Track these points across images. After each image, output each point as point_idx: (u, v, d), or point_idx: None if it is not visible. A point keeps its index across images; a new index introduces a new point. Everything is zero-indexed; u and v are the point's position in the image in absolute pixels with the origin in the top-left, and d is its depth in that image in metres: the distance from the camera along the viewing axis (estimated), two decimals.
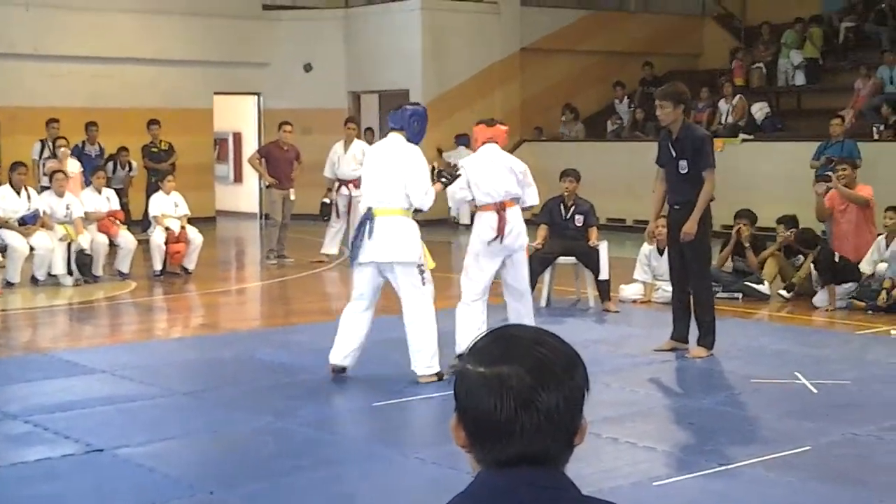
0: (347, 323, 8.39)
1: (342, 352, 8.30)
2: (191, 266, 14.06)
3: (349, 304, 8.45)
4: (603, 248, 11.61)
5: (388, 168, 8.08)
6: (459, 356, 7.43)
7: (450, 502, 1.77)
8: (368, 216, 8.08)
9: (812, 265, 11.82)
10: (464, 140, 20.41)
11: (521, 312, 8.77)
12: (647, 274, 11.96)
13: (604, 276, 11.45)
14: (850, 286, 11.53)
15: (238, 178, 23.88)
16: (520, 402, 1.70)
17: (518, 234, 8.68)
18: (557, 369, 1.73)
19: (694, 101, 20.75)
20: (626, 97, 22.05)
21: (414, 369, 8.03)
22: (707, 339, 8.98)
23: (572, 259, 11.74)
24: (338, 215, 15.56)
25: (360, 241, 8.08)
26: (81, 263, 13.25)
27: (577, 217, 11.80)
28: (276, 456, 6.50)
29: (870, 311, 11.22)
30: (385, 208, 8.03)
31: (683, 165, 8.81)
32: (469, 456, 1.78)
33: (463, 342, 8.26)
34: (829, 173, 13.05)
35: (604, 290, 11.46)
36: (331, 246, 15.65)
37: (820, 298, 11.61)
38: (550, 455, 1.75)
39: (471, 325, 8.45)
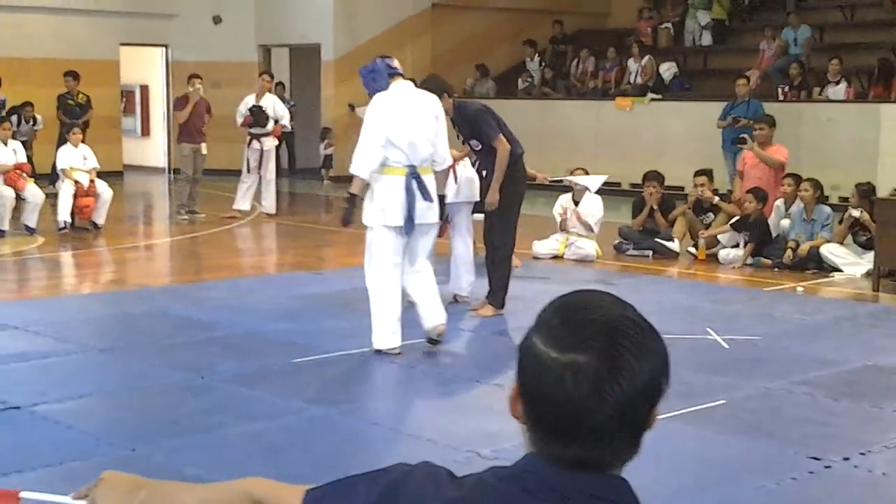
0: (412, 290, 7.83)
1: (428, 317, 7.83)
2: (100, 221, 13.84)
3: (388, 277, 7.66)
4: None
5: (422, 122, 7.61)
6: None
7: (491, 476, 1.65)
8: (415, 175, 7.56)
9: (732, 226, 12.00)
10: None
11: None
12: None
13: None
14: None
15: (145, 131, 23.52)
16: (593, 395, 1.55)
17: None
18: (635, 358, 1.57)
19: (601, 60, 20.98)
20: (536, 55, 22.12)
21: (439, 322, 7.82)
22: (497, 297, 9.14)
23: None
24: (249, 170, 15.42)
25: (413, 203, 7.53)
26: None
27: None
28: (196, 412, 6.47)
29: (776, 269, 11.49)
30: (425, 167, 7.64)
31: (475, 143, 9.07)
32: (523, 429, 1.65)
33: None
34: (745, 136, 13.27)
35: None
36: (243, 201, 15.52)
37: (726, 255, 11.87)
38: (616, 457, 1.62)
39: None
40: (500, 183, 8.84)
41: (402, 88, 7.65)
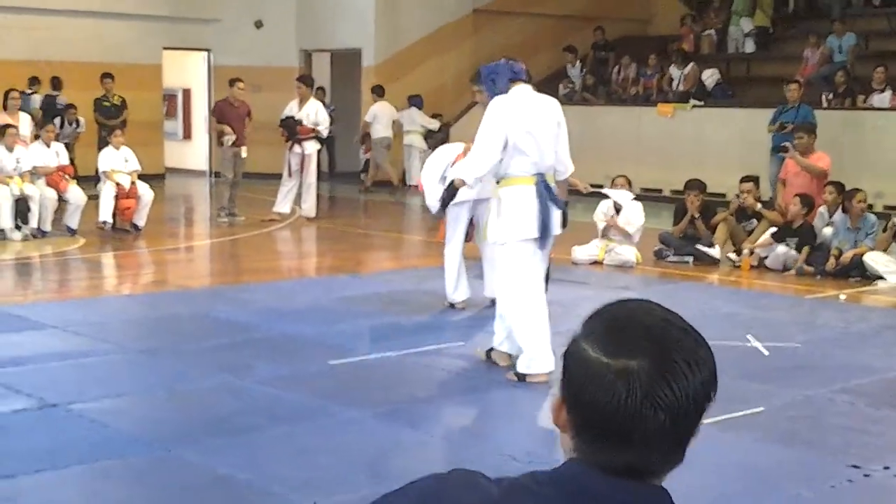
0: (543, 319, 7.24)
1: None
2: (141, 223, 13.93)
3: (533, 295, 7.13)
4: None
5: (547, 128, 7.13)
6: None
7: (529, 479, 1.63)
8: (546, 185, 7.08)
9: (773, 236, 11.88)
10: (416, 101, 20.37)
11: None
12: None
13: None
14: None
15: (187, 134, 23.67)
16: (646, 401, 1.53)
17: None
18: (687, 365, 1.55)
19: (643, 66, 20.88)
20: (577, 61, 22.05)
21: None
22: None
23: None
24: (290, 174, 15.47)
25: (548, 212, 7.05)
26: (18, 210, 13.09)
27: None
28: (232, 413, 6.47)
29: (819, 277, 11.37)
30: (550, 175, 7.16)
31: None
32: (565, 437, 1.62)
33: None
34: (787, 143, 13.16)
35: None
36: (283, 204, 15.57)
37: (776, 257, 11.74)
38: (663, 465, 1.60)
39: None
40: None
41: (523, 93, 7.17)
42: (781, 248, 11.76)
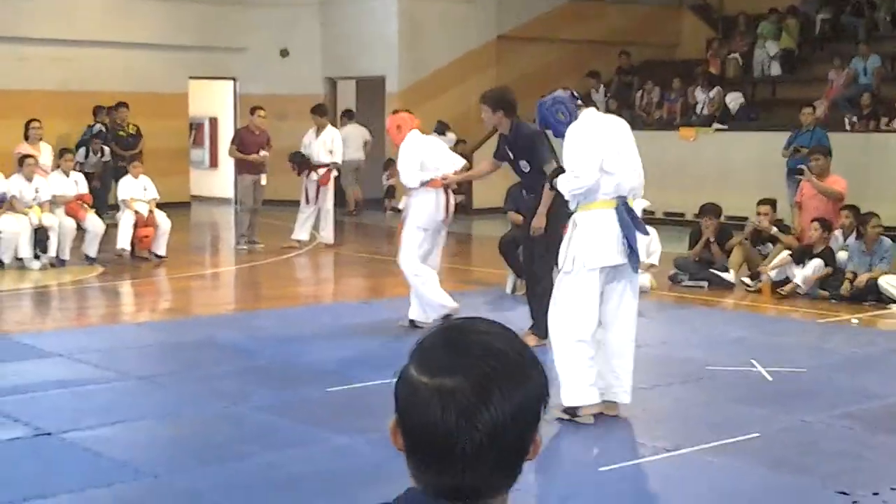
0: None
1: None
2: (161, 251, 14.02)
3: (588, 320, 6.73)
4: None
5: (632, 149, 6.91)
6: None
7: None
8: (628, 208, 6.78)
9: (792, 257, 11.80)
10: (438, 127, 20.42)
11: None
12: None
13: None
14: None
15: (214, 163, 23.81)
16: (461, 419, 1.52)
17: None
18: (506, 384, 1.54)
19: (667, 90, 20.83)
20: (601, 86, 22.04)
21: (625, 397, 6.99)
22: (540, 327, 8.77)
23: None
24: (307, 201, 15.56)
25: (633, 237, 6.71)
26: (38, 240, 13.22)
27: None
28: (225, 441, 6.50)
29: (833, 301, 11.27)
30: (630, 199, 6.88)
31: (524, 165, 8.93)
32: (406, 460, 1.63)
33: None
34: (803, 166, 13.09)
35: None
36: (301, 231, 15.64)
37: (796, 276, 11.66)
38: (491, 485, 1.58)
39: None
40: (546, 208, 8.72)
41: (596, 115, 6.99)
42: (806, 270, 11.60)
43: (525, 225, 9.11)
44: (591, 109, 7.02)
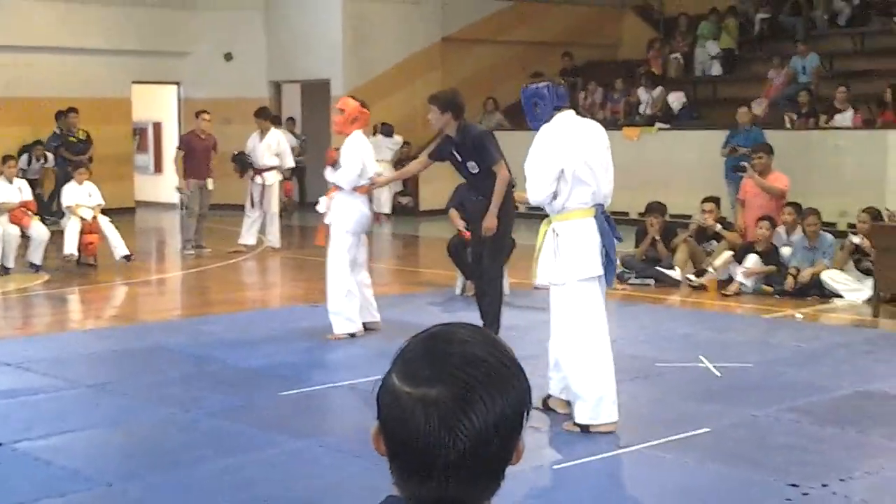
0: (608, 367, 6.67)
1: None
2: (124, 251, 13.99)
3: (598, 340, 6.61)
4: None
5: (604, 156, 6.74)
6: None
7: None
8: (606, 216, 6.65)
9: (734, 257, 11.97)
10: (385, 129, 20.46)
11: None
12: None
13: None
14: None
15: (158, 168, 23.67)
16: (444, 429, 1.52)
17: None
18: (488, 393, 1.54)
19: (610, 91, 20.99)
20: None
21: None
22: (492, 328, 8.91)
23: None
24: (252, 205, 15.53)
25: (612, 245, 6.63)
26: None
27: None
28: (178, 447, 6.47)
29: (777, 296, 11.44)
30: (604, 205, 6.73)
31: (473, 166, 8.86)
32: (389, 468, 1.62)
33: None
34: (745, 164, 13.26)
35: None
36: (248, 236, 15.60)
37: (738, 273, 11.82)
38: (474, 495, 1.58)
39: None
40: (497, 208, 8.75)
41: (570, 120, 6.77)
42: (746, 263, 11.77)
43: (475, 227, 9.13)
44: (569, 113, 6.77)
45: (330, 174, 9.60)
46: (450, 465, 1.54)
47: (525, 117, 7.07)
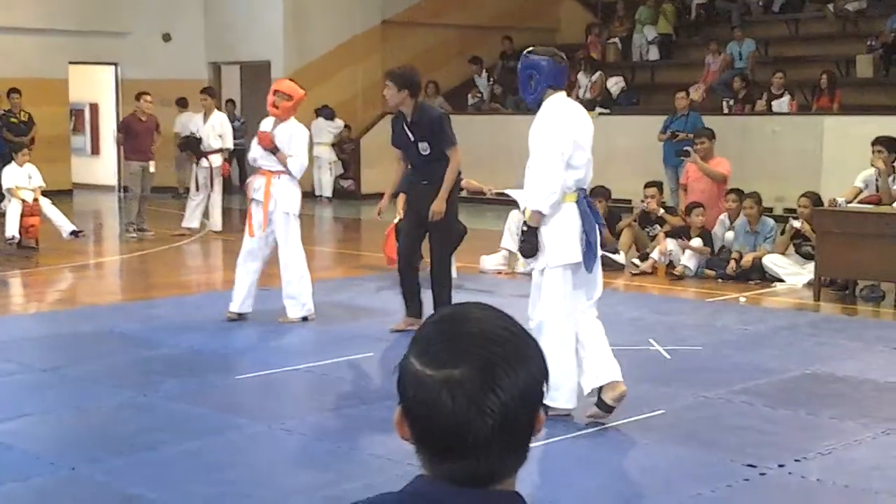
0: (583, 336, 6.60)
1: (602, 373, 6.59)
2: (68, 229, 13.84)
3: (569, 319, 6.52)
4: None
5: (590, 140, 6.64)
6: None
7: (379, 501, 1.66)
8: (588, 201, 6.65)
9: (667, 234, 12.16)
10: (325, 112, 20.42)
11: None
12: (515, 244, 12.18)
13: None
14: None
15: (95, 150, 23.42)
16: (472, 408, 1.56)
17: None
18: (510, 367, 1.58)
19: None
20: (484, 71, 22.24)
21: (618, 377, 6.54)
22: (412, 310, 9.02)
23: None
24: (197, 188, 15.44)
25: (593, 230, 6.53)
26: None
27: None
28: (138, 430, 6.46)
29: (719, 280, 11.64)
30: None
31: (424, 147, 8.72)
32: (415, 451, 1.65)
33: None
34: (688, 148, 13.44)
35: None
36: (192, 219, 15.51)
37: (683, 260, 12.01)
38: (505, 468, 1.62)
39: None
40: (447, 193, 8.74)
41: (563, 102, 6.61)
42: (693, 242, 11.97)
43: (414, 211, 8.99)
44: (560, 95, 6.59)
45: (265, 158, 9.44)
46: (480, 442, 1.58)
47: (519, 88, 6.83)
